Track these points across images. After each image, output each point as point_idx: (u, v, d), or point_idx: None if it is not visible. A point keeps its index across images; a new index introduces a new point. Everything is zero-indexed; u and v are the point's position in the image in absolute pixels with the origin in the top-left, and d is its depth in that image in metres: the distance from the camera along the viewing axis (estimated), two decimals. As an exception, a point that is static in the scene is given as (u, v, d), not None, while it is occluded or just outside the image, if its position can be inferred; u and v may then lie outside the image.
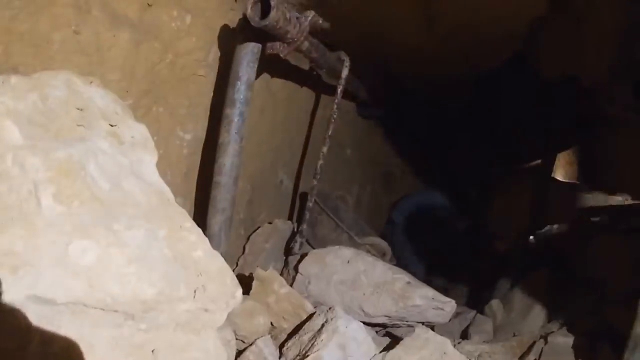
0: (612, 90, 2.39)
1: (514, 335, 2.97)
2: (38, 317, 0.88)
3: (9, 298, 0.85)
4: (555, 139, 3.49)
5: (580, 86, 2.93)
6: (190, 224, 1.20)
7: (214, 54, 2.22)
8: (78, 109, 1.13)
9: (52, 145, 1.01)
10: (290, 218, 3.51)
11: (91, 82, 1.22)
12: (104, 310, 0.96)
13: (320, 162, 2.77)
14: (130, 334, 1.00)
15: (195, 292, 1.09)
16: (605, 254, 2.92)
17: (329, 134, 2.76)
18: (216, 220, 2.05)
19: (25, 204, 0.94)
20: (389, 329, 2.70)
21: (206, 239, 1.21)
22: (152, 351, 1.04)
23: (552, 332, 2.78)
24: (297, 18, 1.96)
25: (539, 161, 4.08)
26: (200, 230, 1.22)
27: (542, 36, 3.05)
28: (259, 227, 2.99)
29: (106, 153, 1.12)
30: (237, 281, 1.22)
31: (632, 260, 2.64)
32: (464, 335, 3.21)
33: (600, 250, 2.98)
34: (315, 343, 1.92)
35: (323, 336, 1.94)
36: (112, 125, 1.19)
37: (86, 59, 1.59)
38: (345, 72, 2.66)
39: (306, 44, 2.11)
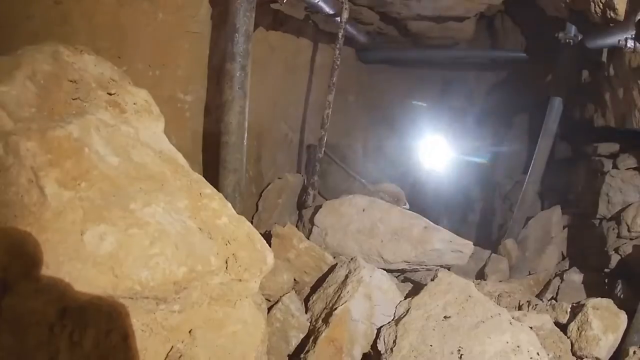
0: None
1: (530, 274, 2.98)
2: (62, 319, 0.80)
3: (28, 304, 0.77)
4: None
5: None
6: (209, 189, 1.12)
7: (206, 7, 2.09)
8: (71, 81, 1.02)
9: (48, 125, 0.91)
10: (298, 171, 3.45)
11: (81, 51, 1.11)
12: (133, 299, 0.89)
13: (327, 111, 2.68)
14: (163, 317, 0.94)
15: (226, 262, 1.03)
16: (616, 192, 2.87)
17: (333, 81, 2.65)
18: (229, 181, 2.00)
19: (27, 196, 0.84)
20: (407, 274, 2.70)
21: (228, 203, 1.14)
22: (190, 332, 0.99)
23: (567, 269, 2.78)
24: (293, -42, 1.83)
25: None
26: (221, 195, 1.15)
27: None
28: (269, 184, 2.94)
29: (109, 124, 1.03)
30: (267, 245, 1.15)
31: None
32: (480, 275, 3.22)
33: (610, 188, 2.92)
34: (342, 295, 1.91)
35: (348, 287, 1.93)
36: (110, 94, 1.10)
37: (71, 30, 1.48)
38: (345, 15, 2.52)
39: (304, -13, 1.97)
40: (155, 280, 0.91)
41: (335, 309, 1.82)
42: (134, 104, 1.12)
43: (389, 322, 1.87)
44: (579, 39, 3.06)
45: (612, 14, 2.48)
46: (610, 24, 2.51)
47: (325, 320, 1.82)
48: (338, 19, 2.58)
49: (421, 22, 3.92)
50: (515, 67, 4.97)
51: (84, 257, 0.87)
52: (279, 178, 2.95)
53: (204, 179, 1.17)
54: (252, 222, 2.71)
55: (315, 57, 3.44)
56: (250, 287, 1.09)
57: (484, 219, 4.88)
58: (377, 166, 4.49)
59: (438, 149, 5.10)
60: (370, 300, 1.92)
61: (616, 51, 2.04)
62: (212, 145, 2.11)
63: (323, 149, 2.78)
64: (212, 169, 2.10)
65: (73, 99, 1.01)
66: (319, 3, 2.27)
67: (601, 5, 2.56)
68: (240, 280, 1.05)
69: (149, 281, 0.90)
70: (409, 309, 1.87)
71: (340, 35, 2.59)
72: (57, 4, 1.50)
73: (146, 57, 1.90)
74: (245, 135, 2.03)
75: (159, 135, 1.15)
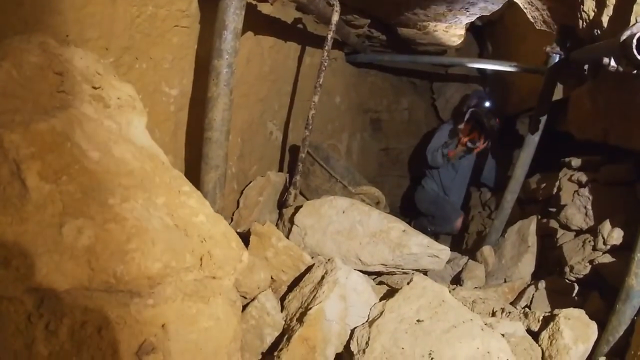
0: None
1: (505, 281, 3.03)
2: (39, 309, 0.82)
3: (7, 292, 0.78)
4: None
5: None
6: (188, 187, 1.14)
7: (196, 3, 2.10)
8: (57, 73, 1.03)
9: (32, 117, 0.91)
10: (281, 170, 3.47)
11: (68, 43, 1.11)
12: (108, 292, 0.91)
13: (312, 112, 2.70)
14: (137, 311, 0.95)
15: (201, 260, 1.05)
16: (594, 205, 2.94)
17: (320, 82, 2.67)
18: (210, 177, 2.01)
19: (9, 188, 0.85)
20: (383, 277, 2.73)
21: (206, 201, 1.16)
22: (163, 326, 1.00)
23: (543, 279, 2.83)
24: (284, -40, 1.84)
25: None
26: (199, 193, 1.16)
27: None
28: (251, 181, 2.96)
29: (92, 119, 1.03)
30: (242, 244, 1.18)
31: (623, 212, 2.65)
32: (456, 280, 3.27)
33: (588, 201, 2.99)
34: (317, 295, 1.93)
35: (324, 288, 1.95)
36: (95, 88, 1.11)
37: (60, 19, 1.47)
38: (335, 18, 2.54)
39: (295, -12, 1.99)
40: (130, 275, 0.92)
41: (310, 308, 1.84)
42: (118, 98, 1.13)
43: (363, 324, 1.90)
44: (566, 53, 3.12)
45: (598, 32, 2.54)
46: (596, 41, 2.57)
47: (300, 320, 1.84)
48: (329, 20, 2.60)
49: (410, 29, 3.97)
50: (501, 77, 5.05)
51: (61, 249, 0.88)
52: (262, 176, 2.97)
53: (184, 176, 1.18)
54: (232, 219, 2.74)
55: (304, 58, 3.46)
56: (224, 284, 1.11)
57: (463, 225, 4.94)
58: (359, 168, 4.52)
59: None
60: (345, 301, 1.94)
61: (600, 67, 2.08)
62: (196, 140, 2.12)
63: (306, 149, 2.80)
64: (194, 164, 2.11)
65: (58, 92, 1.02)
66: (310, 5, 2.29)
67: (588, 21, 2.62)
68: (214, 277, 1.07)
69: (124, 275, 0.92)
70: (383, 311, 1.90)
71: (329, 37, 2.61)
72: (48, -9, 1.48)
73: (134, 50, 1.89)
74: (229, 132, 2.04)
75: (141, 130, 1.17)
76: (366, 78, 5.53)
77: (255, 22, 2.53)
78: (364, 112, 5.68)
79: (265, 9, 2.55)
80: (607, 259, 2.55)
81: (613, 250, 2.59)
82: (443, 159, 4.79)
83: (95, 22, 1.65)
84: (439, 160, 4.80)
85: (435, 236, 4.87)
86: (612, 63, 2.04)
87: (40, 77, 1.01)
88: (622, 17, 2.30)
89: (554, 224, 3.29)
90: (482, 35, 5.29)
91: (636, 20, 1.93)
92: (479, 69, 5.22)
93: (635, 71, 1.96)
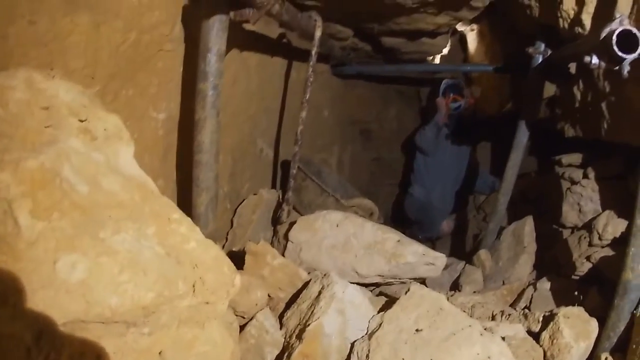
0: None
1: (504, 284, 3.04)
2: (38, 342, 0.83)
3: (5, 329, 0.79)
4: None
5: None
6: (178, 214, 1.15)
7: (180, 26, 2.12)
8: (43, 108, 1.04)
9: (21, 155, 0.92)
10: (273, 186, 3.48)
11: (53, 76, 1.13)
12: (104, 323, 0.92)
13: (300, 127, 2.72)
14: (134, 340, 0.97)
15: (194, 286, 1.06)
16: (587, 201, 2.96)
17: (306, 98, 2.70)
18: (202, 199, 2.02)
19: (2, 227, 0.86)
20: (382, 288, 2.74)
21: (197, 227, 1.17)
22: (159, 353, 1.02)
23: (540, 278, 2.84)
24: (264, -20, 1.87)
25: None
26: (189, 220, 1.18)
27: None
28: (244, 199, 2.96)
29: (79, 152, 1.04)
30: (234, 267, 1.19)
31: (617, 206, 2.67)
32: (455, 286, 3.27)
33: (581, 197, 3.02)
34: (315, 311, 1.94)
35: (321, 303, 1.96)
36: (81, 121, 1.12)
37: (45, 50, 1.49)
38: (318, 33, 2.58)
39: (276, 7, 2.01)
40: (124, 306, 0.94)
41: (309, 324, 1.85)
42: (105, 129, 1.14)
43: (362, 337, 1.90)
44: (549, 53, 3.16)
45: (579, 30, 2.57)
46: (578, 40, 2.60)
47: (299, 336, 1.84)
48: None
49: (395, 38, 4.01)
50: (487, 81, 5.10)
51: (56, 285, 0.90)
52: (254, 194, 2.97)
53: (173, 204, 1.19)
54: (227, 238, 2.74)
55: (291, 73, 3.49)
56: (218, 309, 1.12)
57: (459, 230, 4.96)
58: (351, 180, 4.53)
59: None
60: (343, 315, 1.95)
61: (585, 65, 2.11)
62: (186, 163, 2.13)
63: (297, 164, 2.82)
64: (185, 187, 2.12)
65: (45, 127, 1.03)
66: (292, 22, 2.32)
67: (569, 20, 2.65)
68: (207, 302, 1.09)
69: (118, 307, 0.93)
70: (381, 323, 1.91)
71: (313, 52, 2.65)
72: (31, 24, 1.50)
73: (119, 76, 1.91)
74: (218, 153, 2.06)
75: (129, 160, 1.18)
76: (353, 89, 5.57)
77: (240, 39, 2.55)
78: (353, 123, 5.71)
79: (249, 26, 2.58)
80: (604, 253, 2.56)
81: (609, 245, 2.61)
82: (432, 133, 4.77)
83: (79, 52, 1.67)
84: (429, 135, 4.76)
85: (432, 243, 4.88)
86: (594, 60, 2.05)
87: (27, 113, 1.02)
88: (604, 13, 2.31)
89: (548, 222, 3.31)
90: (466, 40, 5.35)
91: (616, 16, 1.95)
92: (464, 73, 5.28)
93: (617, 67, 1.97)
